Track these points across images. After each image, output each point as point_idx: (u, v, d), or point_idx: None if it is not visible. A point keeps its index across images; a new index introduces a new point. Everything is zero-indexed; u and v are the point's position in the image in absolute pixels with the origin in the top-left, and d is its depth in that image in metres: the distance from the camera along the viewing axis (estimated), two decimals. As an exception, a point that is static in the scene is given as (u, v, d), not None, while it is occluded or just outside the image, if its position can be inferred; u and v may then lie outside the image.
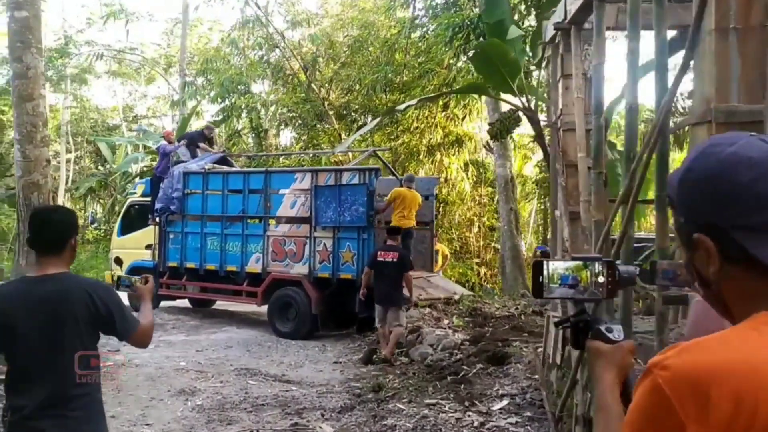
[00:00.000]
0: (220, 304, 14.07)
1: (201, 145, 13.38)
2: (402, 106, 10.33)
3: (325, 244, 10.90)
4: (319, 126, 19.66)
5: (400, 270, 8.59)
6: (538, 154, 23.96)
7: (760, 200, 0.96)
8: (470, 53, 9.58)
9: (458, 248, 19.51)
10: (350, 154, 15.64)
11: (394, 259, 8.64)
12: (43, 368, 2.62)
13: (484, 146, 12.60)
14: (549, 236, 13.06)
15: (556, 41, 5.99)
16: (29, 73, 7.11)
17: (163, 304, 13.41)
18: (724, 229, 0.98)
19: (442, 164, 18.83)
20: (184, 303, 13.97)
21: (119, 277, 3.53)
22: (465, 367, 7.02)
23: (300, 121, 20.10)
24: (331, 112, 19.98)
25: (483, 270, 18.86)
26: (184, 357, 9.17)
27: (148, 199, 13.06)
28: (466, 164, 18.89)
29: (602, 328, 1.35)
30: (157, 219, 12.72)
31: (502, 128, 9.52)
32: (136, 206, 13.64)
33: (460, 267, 17.72)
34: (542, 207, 23.98)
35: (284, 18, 21.23)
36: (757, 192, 0.96)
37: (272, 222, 11.59)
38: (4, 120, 28.60)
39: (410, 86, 19.62)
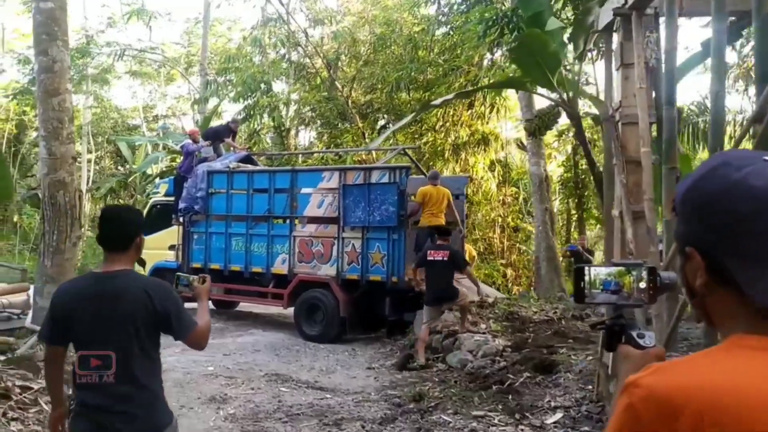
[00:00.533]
0: (244, 306, 13.79)
1: (226, 140, 13.11)
2: (438, 101, 9.96)
3: (353, 245, 10.57)
4: (341, 125, 19.34)
5: (452, 268, 8.48)
6: (561, 154, 23.58)
7: (755, 234, 0.97)
8: (510, 45, 9.19)
9: (482, 249, 19.12)
10: (374, 153, 15.31)
11: (445, 258, 8.47)
12: None
13: (518, 144, 12.20)
14: (578, 235, 12.65)
15: (614, 29, 5.60)
16: (55, 67, 6.83)
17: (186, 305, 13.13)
18: (714, 253, 1.01)
19: (467, 163, 18.44)
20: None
21: (178, 276, 3.30)
22: (510, 376, 6.64)
23: (321, 120, 19.79)
24: (353, 111, 19.67)
25: (509, 271, 18.45)
26: (211, 361, 8.87)
27: (172, 198, 12.81)
28: (492, 163, 18.49)
29: (634, 333, 1.34)
30: (181, 219, 12.47)
31: (541, 124, 9.15)
32: (159, 206, 13.40)
33: (485, 268, 17.33)
34: (565, 207, 23.52)
35: (306, 16, 20.97)
36: (754, 226, 0.97)
37: (299, 222, 11.27)
38: (25, 120, 28.65)
39: (434, 84, 19.28)
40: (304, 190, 11.31)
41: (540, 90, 9.19)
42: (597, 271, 1.43)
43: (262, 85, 19.04)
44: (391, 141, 18.97)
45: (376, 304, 10.68)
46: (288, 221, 11.34)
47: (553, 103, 9.20)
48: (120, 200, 30.10)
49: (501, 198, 19.29)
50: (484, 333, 8.50)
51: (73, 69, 23.60)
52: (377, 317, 11.50)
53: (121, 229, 2.75)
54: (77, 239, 7.36)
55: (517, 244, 20.12)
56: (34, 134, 28.25)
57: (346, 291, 10.61)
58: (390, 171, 10.33)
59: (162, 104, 30.29)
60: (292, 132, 20.46)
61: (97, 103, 29.23)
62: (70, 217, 7.19)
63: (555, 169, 23.23)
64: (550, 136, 22.97)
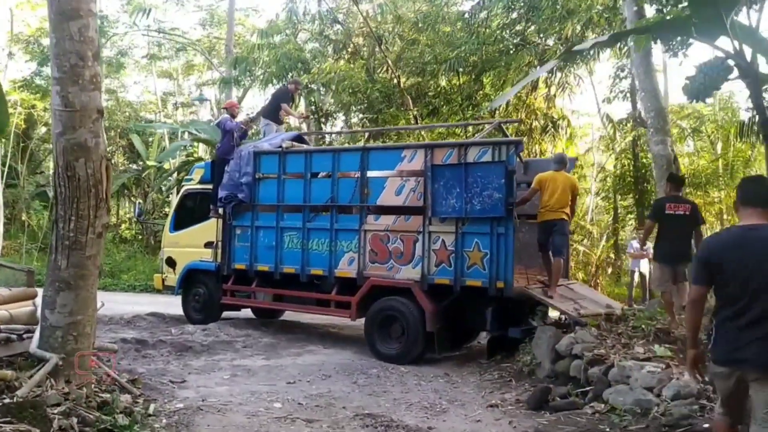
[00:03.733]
0: (289, 315, 11.63)
1: (284, 106, 10.97)
2: (588, 43, 7.71)
3: (443, 242, 8.38)
4: (387, 110, 17.12)
5: (693, 223, 7.53)
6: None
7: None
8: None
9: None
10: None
11: (686, 212, 7.47)
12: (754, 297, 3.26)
13: (635, 119, 10.01)
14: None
15: None
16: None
17: (226, 314, 11.00)
18: None
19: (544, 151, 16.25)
20: (246, 313, 11.54)
21: None
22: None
23: (366, 104, 17.58)
24: (404, 93, 17.46)
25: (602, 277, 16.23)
26: (274, 393, 6.69)
27: (209, 186, 10.65)
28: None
29: None
30: (221, 210, 10.33)
31: (706, 83, 6.89)
32: (194, 195, 11.23)
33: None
34: (612, 204, 21.30)
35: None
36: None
37: (371, 213, 9.08)
38: (34, 114, 26.60)
39: (491, 65, 17.07)
40: (379, 173, 9.14)
41: (706, 39, 6.97)
42: None
43: (299, 65, 16.86)
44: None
45: (473, 315, 8.49)
46: (357, 212, 9.15)
47: (722, 56, 6.97)
48: (132, 197, 28.10)
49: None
50: (644, 359, 6.28)
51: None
52: (466, 331, 9.33)
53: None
54: (103, 228, 5.19)
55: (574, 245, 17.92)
56: (44, 129, 26.26)
57: (434, 299, 8.43)
58: (494, 147, 8.11)
59: (182, 93, 28.15)
60: (333, 117, 18.25)
61: (108, 95, 27.17)
62: (95, 196, 5.03)
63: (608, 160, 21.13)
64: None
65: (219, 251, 10.43)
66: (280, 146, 9.94)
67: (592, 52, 13.64)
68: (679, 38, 9.22)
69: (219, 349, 8.95)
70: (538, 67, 12.48)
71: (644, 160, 21.67)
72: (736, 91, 21.84)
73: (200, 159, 19.48)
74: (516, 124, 14.79)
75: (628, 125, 20.27)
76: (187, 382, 7.09)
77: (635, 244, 14.44)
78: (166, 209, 26.14)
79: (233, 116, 10.81)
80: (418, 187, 8.57)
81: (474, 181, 8.05)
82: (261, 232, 9.94)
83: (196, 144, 23.77)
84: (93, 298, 5.28)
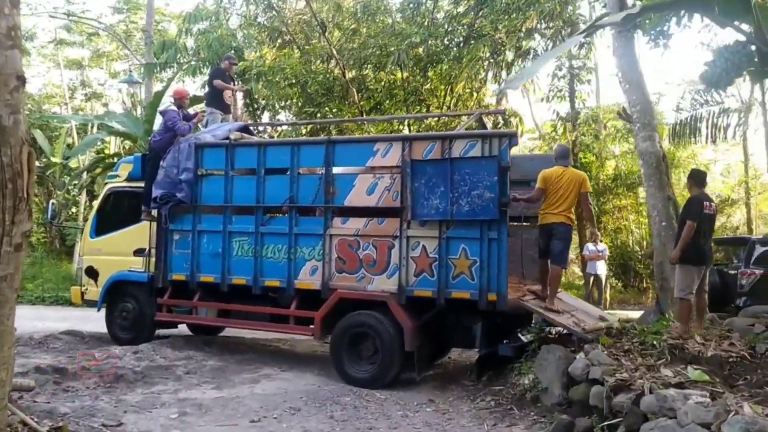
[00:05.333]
0: (232, 330, 10.26)
1: (218, 81, 9.69)
2: (608, 20, 6.79)
3: (424, 248, 7.34)
4: (329, 103, 15.91)
5: (714, 223, 7.32)
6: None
7: None
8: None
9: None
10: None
11: (715, 212, 7.18)
12: None
13: (619, 113, 9.34)
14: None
15: None
16: None
17: (160, 332, 9.51)
18: None
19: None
20: (182, 329, 10.08)
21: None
22: None
23: (304, 97, 16.27)
24: (349, 84, 16.29)
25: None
26: (238, 437, 5.44)
27: (140, 184, 9.15)
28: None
29: None
30: (154, 212, 8.87)
31: (728, 68, 6.20)
32: (121, 194, 9.65)
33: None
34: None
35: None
36: None
37: (338, 215, 7.92)
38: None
39: (437, 58, 16.23)
40: (347, 170, 7.99)
41: (727, 21, 6.26)
42: None
43: (233, 52, 15.36)
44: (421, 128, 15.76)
45: (459, 331, 7.51)
46: (321, 214, 7.97)
47: (743, 40, 6.29)
48: (35, 198, 25.45)
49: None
50: (678, 384, 5.45)
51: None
52: (440, 347, 8.33)
53: None
54: (23, 238, 3.81)
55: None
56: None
57: (413, 314, 7.37)
58: (484, 140, 7.13)
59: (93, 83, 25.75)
60: (269, 111, 16.82)
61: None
62: (11, 194, 3.66)
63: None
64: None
65: (152, 260, 8.96)
66: (227, 138, 8.61)
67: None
68: (667, 26, 8.61)
69: (157, 376, 7.54)
70: (553, 47, 11.43)
71: (583, 161, 21.62)
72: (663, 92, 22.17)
73: (118, 155, 17.57)
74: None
75: (568, 125, 20.04)
76: (125, 426, 5.72)
77: (591, 246, 13.97)
78: (74, 210, 23.87)
79: (180, 106, 9.32)
80: (393, 185, 7.49)
81: (461, 178, 7.06)
82: (204, 237, 8.57)
83: (108, 139, 21.76)
84: (9, 333, 3.89)
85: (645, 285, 21.05)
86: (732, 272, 10.08)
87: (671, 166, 22.61)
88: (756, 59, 6.37)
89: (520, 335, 7.78)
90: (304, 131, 15.31)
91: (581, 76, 20.39)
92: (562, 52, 7.92)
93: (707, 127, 16.83)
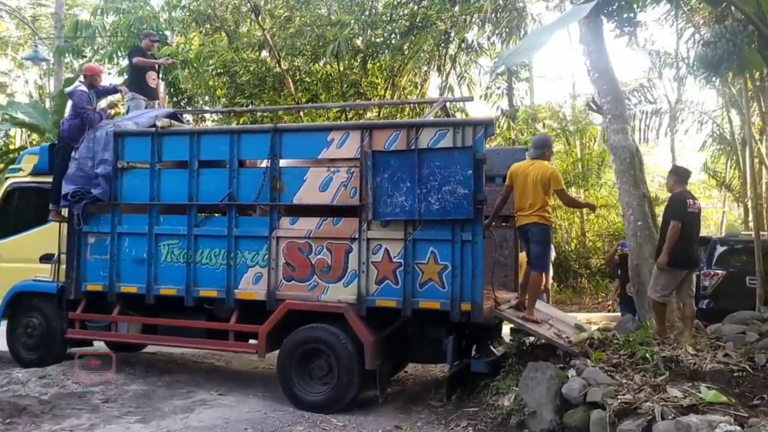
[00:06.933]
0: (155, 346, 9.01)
1: (137, 59, 8.50)
2: None
3: (387, 251, 6.43)
4: (264, 95, 14.76)
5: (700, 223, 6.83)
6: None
7: None
8: None
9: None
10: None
11: (700, 210, 6.64)
12: None
13: (589, 104, 8.71)
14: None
15: None
16: None
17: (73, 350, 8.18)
18: None
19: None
20: (99, 347, 8.77)
21: None
22: None
23: (234, 89, 15.02)
24: (271, 80, 15.20)
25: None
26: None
27: (47, 179, 7.82)
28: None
29: None
30: (65, 212, 7.58)
31: (730, 49, 5.61)
32: (24, 191, 8.25)
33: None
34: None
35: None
36: None
37: (285, 214, 6.89)
38: None
39: (377, 50, 15.43)
40: (296, 162, 6.99)
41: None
42: None
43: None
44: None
45: (426, 346, 6.65)
46: (266, 213, 6.92)
47: (740, 20, 5.73)
48: None
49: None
50: (690, 406, 4.77)
51: None
52: (400, 358, 7.44)
53: None
54: None
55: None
56: None
57: (374, 327, 6.45)
58: (456, 128, 6.28)
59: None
60: (197, 100, 15.45)
61: None
62: None
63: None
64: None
65: (62, 267, 7.66)
66: (153, 125, 7.42)
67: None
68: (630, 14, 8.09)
69: (68, 407, 6.31)
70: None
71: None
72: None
73: (24, 149, 15.79)
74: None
75: (510, 122, 19.66)
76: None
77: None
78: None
79: (92, 85, 7.98)
80: (351, 180, 6.54)
81: (430, 172, 6.19)
82: (126, 240, 7.35)
83: (12, 133, 19.75)
84: None
85: (582, 285, 20.93)
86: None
87: (602, 166, 22.98)
88: (755, 44, 5.83)
89: (492, 348, 7.00)
90: (235, 123, 14.10)
91: (519, 74, 20.13)
92: (566, 25, 7.15)
93: (640, 129, 16.92)
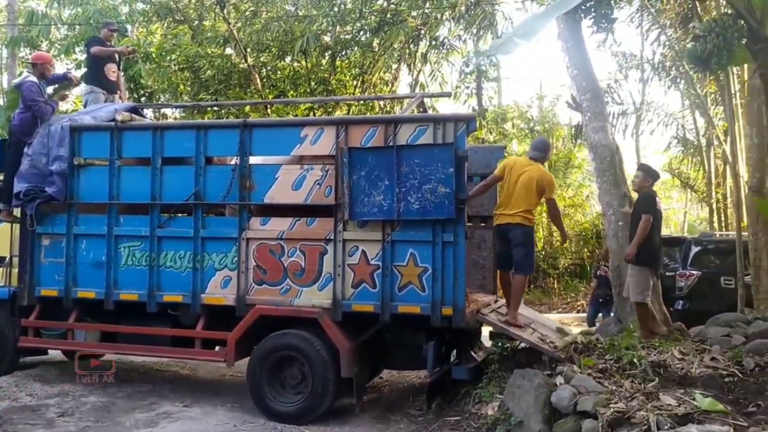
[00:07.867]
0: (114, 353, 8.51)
1: (96, 48, 8.03)
2: None
3: (364, 253, 6.11)
4: (229, 91, 14.29)
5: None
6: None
7: None
8: None
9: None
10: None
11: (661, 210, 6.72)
12: None
13: (568, 102, 8.51)
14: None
15: None
16: None
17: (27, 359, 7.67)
18: None
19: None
20: (54, 355, 8.24)
21: None
22: None
23: (197, 85, 14.52)
24: (236, 76, 14.76)
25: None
26: None
27: (-4, 176, 7.31)
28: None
29: None
30: (17, 211, 7.08)
31: (720, 43, 5.45)
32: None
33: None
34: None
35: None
36: None
37: (256, 214, 6.52)
38: None
39: (345, 46, 15.13)
40: (267, 159, 6.62)
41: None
42: None
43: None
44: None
45: (405, 352, 6.35)
46: (235, 213, 6.53)
47: (728, 13, 5.58)
48: None
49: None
50: (686, 415, 4.57)
51: None
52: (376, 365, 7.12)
53: None
54: None
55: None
56: None
57: (350, 333, 6.13)
58: (436, 124, 6.00)
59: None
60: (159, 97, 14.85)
61: None
62: None
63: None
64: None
65: (14, 271, 7.16)
66: (113, 120, 6.97)
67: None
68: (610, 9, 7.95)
69: (21, 422, 5.85)
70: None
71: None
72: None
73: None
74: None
75: (481, 121, 19.54)
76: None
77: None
78: None
79: (43, 75, 7.47)
80: (325, 178, 6.21)
81: (410, 170, 5.90)
82: (83, 242, 6.88)
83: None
84: None
85: (551, 285, 20.91)
86: (669, 274, 9.57)
87: (569, 167, 23.06)
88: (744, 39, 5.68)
89: (473, 353, 6.74)
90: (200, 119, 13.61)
91: (488, 74, 20.08)
92: (560, 12, 6.91)
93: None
